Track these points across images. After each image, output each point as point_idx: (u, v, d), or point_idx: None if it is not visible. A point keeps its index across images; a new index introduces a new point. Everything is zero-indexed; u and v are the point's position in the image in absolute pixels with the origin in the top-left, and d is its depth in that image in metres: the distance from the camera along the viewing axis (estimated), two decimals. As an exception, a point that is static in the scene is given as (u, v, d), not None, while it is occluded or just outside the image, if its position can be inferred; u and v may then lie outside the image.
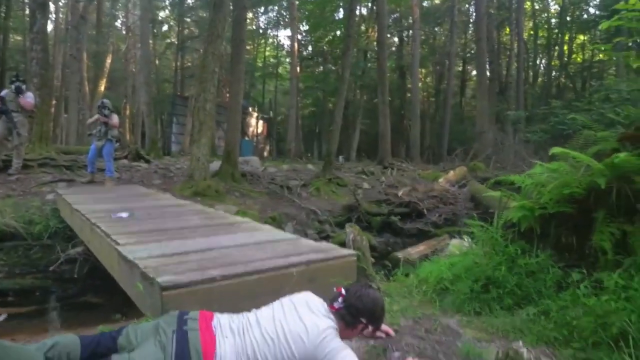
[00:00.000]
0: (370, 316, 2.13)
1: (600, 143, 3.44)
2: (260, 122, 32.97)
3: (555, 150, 3.36)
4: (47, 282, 5.74)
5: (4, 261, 6.25)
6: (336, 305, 2.09)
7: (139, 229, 4.16)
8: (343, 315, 2.07)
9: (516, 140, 17.85)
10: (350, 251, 3.32)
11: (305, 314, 2.04)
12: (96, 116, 9.25)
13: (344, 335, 2.05)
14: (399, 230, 9.60)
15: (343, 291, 2.14)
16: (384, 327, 2.55)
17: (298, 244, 3.53)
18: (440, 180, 12.42)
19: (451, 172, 13.06)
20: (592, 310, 2.50)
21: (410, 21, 26.32)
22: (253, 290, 2.75)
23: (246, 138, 29.91)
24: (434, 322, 2.77)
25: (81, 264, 5.93)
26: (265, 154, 30.77)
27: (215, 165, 11.16)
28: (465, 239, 4.58)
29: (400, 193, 10.68)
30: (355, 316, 2.08)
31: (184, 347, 1.84)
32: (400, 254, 6.67)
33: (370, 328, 2.17)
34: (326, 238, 8.51)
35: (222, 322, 2.05)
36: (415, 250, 6.98)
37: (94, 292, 5.37)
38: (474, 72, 29.17)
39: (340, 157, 23.34)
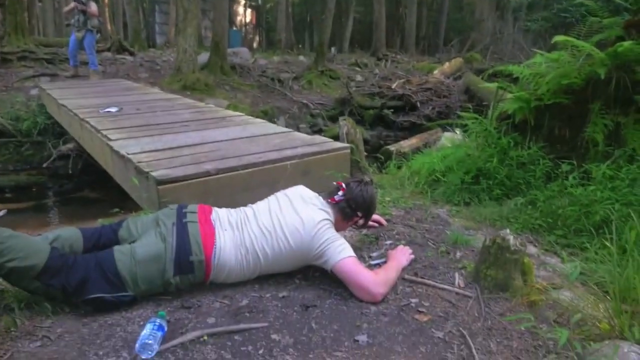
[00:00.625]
0: (367, 210, 2.19)
1: (605, 31, 3.30)
2: (249, 11, 31.14)
3: (558, 38, 3.23)
4: (42, 178, 5.80)
5: (-4, 158, 6.25)
6: (337, 198, 2.15)
7: (130, 124, 4.09)
8: (342, 208, 2.13)
9: (516, 30, 17.14)
10: (344, 144, 3.31)
11: (301, 207, 2.08)
12: (72, 4, 8.63)
13: (338, 227, 2.12)
14: (392, 124, 9.59)
15: (343, 185, 2.18)
16: (376, 217, 2.64)
17: (291, 138, 3.52)
18: (435, 72, 12.12)
19: (446, 64, 12.70)
20: (577, 200, 2.59)
21: None
22: (248, 183, 2.78)
23: (234, 28, 28.45)
24: (425, 212, 2.86)
25: (74, 160, 5.94)
26: (255, 45, 29.52)
27: (204, 57, 10.73)
28: (458, 132, 4.59)
29: (393, 85, 10.48)
30: (354, 209, 2.15)
31: (184, 238, 1.89)
32: (392, 147, 6.73)
33: (362, 221, 2.25)
34: (319, 132, 8.51)
35: (221, 215, 2.09)
36: (408, 144, 7.03)
37: (90, 187, 5.46)
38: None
39: (333, 49, 22.41)
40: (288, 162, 2.94)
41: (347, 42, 24.97)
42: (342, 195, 2.15)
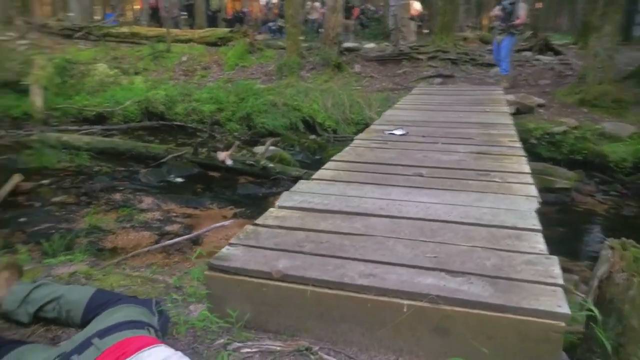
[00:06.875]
0: None
1: None
2: None
3: None
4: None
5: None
6: None
7: (376, 156, 3.43)
8: None
9: None
10: (555, 309, 1.54)
11: None
12: (496, 9, 8.16)
13: None
14: None
15: None
16: None
17: (504, 256, 1.95)
18: None
19: None
20: None
21: None
22: (327, 313, 1.74)
23: None
24: None
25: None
26: None
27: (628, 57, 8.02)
28: None
29: None
30: None
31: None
32: None
33: None
34: None
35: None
36: None
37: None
38: None
39: None
40: (406, 302, 1.64)
41: None
42: None
